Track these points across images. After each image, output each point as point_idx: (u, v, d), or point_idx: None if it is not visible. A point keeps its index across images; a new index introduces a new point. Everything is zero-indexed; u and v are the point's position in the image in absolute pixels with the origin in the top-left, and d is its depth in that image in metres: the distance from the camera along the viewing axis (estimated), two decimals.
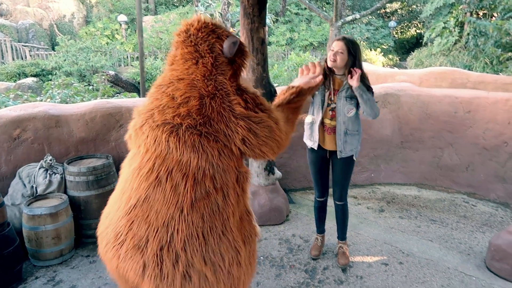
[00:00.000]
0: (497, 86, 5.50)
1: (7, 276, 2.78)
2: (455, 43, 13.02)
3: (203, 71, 1.61)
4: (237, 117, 1.60)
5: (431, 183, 4.81)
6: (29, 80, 12.11)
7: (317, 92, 2.86)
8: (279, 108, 1.96)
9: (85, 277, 2.98)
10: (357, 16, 10.95)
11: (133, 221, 1.53)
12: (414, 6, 22.19)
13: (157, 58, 16.47)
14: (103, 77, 9.67)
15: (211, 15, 16.89)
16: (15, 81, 12.51)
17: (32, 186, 3.28)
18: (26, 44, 17.15)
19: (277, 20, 21.62)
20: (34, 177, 3.30)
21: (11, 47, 15.71)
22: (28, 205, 3.08)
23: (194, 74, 1.62)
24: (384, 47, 19.97)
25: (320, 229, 3.30)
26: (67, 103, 5.76)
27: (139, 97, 7.23)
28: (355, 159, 2.98)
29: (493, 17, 12.12)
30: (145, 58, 15.75)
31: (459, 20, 12.93)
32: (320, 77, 2.10)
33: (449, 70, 6.16)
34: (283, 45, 19.78)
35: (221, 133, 1.58)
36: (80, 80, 12.41)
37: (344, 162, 2.94)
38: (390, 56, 19.19)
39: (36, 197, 3.20)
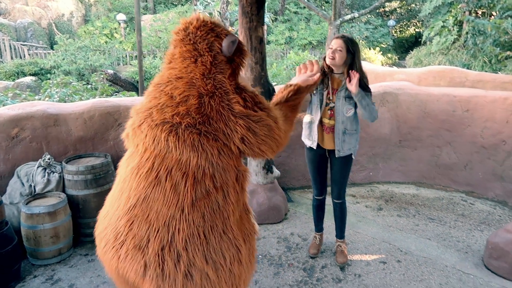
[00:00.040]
0: (495, 85, 5.52)
1: (6, 275, 2.78)
2: (453, 42, 13.02)
3: (202, 69, 1.61)
4: (236, 116, 1.59)
5: (429, 181, 4.82)
6: (28, 79, 12.09)
7: (315, 91, 2.86)
8: (277, 107, 1.95)
9: (83, 275, 2.99)
10: (356, 15, 10.96)
11: (133, 221, 1.53)
12: (413, 5, 22.18)
13: (156, 57, 16.47)
14: (102, 76, 9.65)
15: (210, 14, 16.88)
16: (13, 80, 12.50)
17: (31, 185, 3.28)
18: (25, 43, 17.12)
19: (276, 19, 21.62)
20: (33, 176, 3.30)
21: (10, 46, 15.69)
22: (26, 204, 3.08)
23: (193, 72, 1.61)
24: (383, 46, 19.98)
25: (319, 227, 3.31)
26: (65, 102, 5.75)
27: (138, 96, 7.23)
28: (353, 157, 2.98)
29: (492, 16, 12.12)
30: (144, 57, 15.76)
31: (458, 19, 12.94)
32: (318, 75, 2.10)
33: (448, 69, 6.17)
34: (282, 44, 19.77)
35: (220, 132, 1.57)
36: (79, 79, 12.39)
37: (343, 161, 2.94)
38: (389, 55, 19.19)
39: (34, 196, 3.20)
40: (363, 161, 4.83)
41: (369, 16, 21.25)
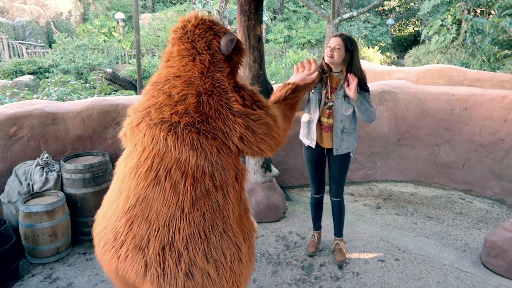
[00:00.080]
0: (494, 84, 5.52)
1: (4, 273, 2.78)
2: (452, 41, 13.03)
3: (201, 68, 1.60)
4: (235, 114, 1.58)
5: (427, 180, 4.83)
6: (26, 78, 12.07)
7: (313, 90, 2.86)
8: (276, 105, 1.95)
9: (82, 274, 2.99)
10: (354, 13, 10.95)
11: (133, 221, 1.52)
12: (412, 4, 22.18)
13: (155, 55, 16.45)
14: (100, 75, 9.64)
15: (209, 12, 16.86)
16: (11, 78, 12.47)
17: (29, 184, 3.28)
18: (23, 41, 17.08)
19: (275, 17, 21.61)
20: (31, 175, 3.30)
21: (8, 44, 15.66)
22: (24, 203, 3.08)
23: (191, 71, 1.60)
24: (382, 44, 19.99)
25: (317, 226, 3.32)
26: (63, 100, 5.74)
27: (136, 94, 7.22)
28: (352, 156, 2.98)
29: (491, 15, 12.13)
30: (143, 56, 15.75)
31: (457, 17, 12.94)
32: (316, 73, 2.10)
33: (446, 68, 6.17)
34: (281, 42, 19.77)
35: (219, 131, 1.57)
36: (77, 78, 12.38)
37: (341, 159, 2.95)
38: (388, 54, 19.19)
39: (32, 195, 3.19)
40: (362, 159, 4.84)
41: (368, 14, 21.26)
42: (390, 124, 4.79)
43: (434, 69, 6.18)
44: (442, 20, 13.56)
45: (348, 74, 2.70)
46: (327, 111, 2.86)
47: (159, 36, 18.39)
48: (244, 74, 3.54)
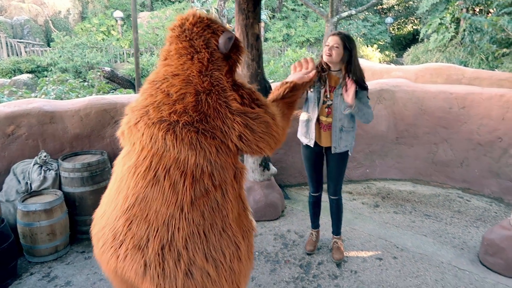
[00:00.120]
0: (492, 82, 5.54)
1: (2, 272, 2.77)
2: (451, 39, 13.03)
3: (199, 66, 1.59)
4: (234, 113, 1.58)
5: (426, 178, 4.84)
6: (24, 77, 12.04)
7: (312, 89, 2.86)
8: (274, 103, 1.95)
9: (80, 273, 2.99)
10: (353, 12, 10.95)
11: (131, 221, 1.51)
12: (411, 2, 22.20)
13: (153, 54, 16.42)
14: (99, 74, 9.62)
15: (207, 11, 16.85)
16: (10, 77, 12.44)
17: (27, 183, 3.28)
18: (21, 40, 17.03)
19: (273, 16, 21.59)
20: (29, 174, 3.30)
21: (6, 43, 15.61)
22: (22, 201, 3.08)
23: (189, 70, 1.59)
24: (381, 43, 19.99)
25: (315, 224, 3.32)
26: (62, 99, 5.73)
27: (135, 93, 7.22)
28: (350, 154, 2.99)
29: (489, 13, 12.14)
30: (141, 54, 15.73)
31: (455, 16, 12.94)
32: (313, 72, 2.10)
33: (445, 66, 6.19)
34: (279, 41, 19.76)
35: (218, 130, 1.56)
36: (75, 76, 12.35)
37: (339, 157, 2.95)
38: (387, 52, 19.19)
39: (30, 193, 3.19)
40: (360, 158, 4.84)
41: (366, 13, 21.26)
42: (389, 122, 4.80)
43: (432, 67, 6.20)
44: (440, 19, 13.56)
45: (346, 79, 2.69)
46: (326, 110, 2.86)
47: (157, 35, 18.36)
48: (242, 72, 3.54)
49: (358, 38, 18.81)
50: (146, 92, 1.66)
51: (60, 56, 14.52)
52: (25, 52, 15.84)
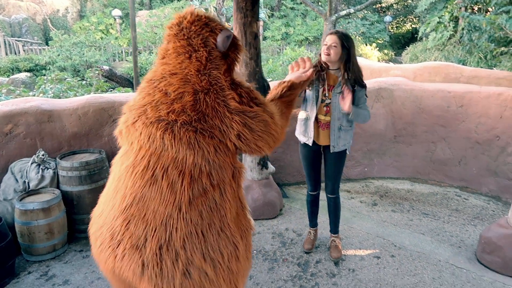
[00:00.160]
0: (490, 81, 5.53)
1: (0, 271, 2.77)
2: (449, 38, 13.02)
3: (197, 65, 1.58)
4: (232, 112, 1.57)
5: (424, 177, 4.85)
6: (23, 75, 12.03)
7: (310, 87, 2.86)
8: (272, 102, 1.94)
9: (78, 271, 2.99)
10: (351, 10, 10.94)
11: (129, 221, 1.51)
12: (410, 1, 22.19)
13: (152, 53, 16.39)
14: (97, 72, 9.60)
15: (206, 9, 16.82)
16: (8, 76, 12.42)
17: (25, 181, 3.27)
18: (20, 38, 17.00)
19: (272, 14, 21.56)
20: (27, 172, 3.29)
21: (4, 41, 15.58)
22: (20, 200, 3.08)
23: (187, 68, 1.58)
24: (380, 42, 19.98)
25: (313, 222, 3.32)
26: (60, 98, 5.72)
27: (133, 92, 7.21)
28: (348, 153, 2.99)
29: (488, 12, 12.13)
30: (140, 53, 15.70)
31: (454, 15, 12.92)
32: (311, 70, 2.10)
33: (443, 65, 6.18)
34: (278, 40, 19.73)
35: (216, 129, 1.55)
36: (74, 75, 12.33)
37: (337, 156, 2.95)
38: (386, 51, 19.20)
39: (28, 192, 3.19)
40: (358, 156, 4.85)
41: (365, 12, 21.23)
42: (387, 121, 4.80)
43: (430, 66, 6.19)
44: (439, 18, 13.55)
45: (343, 87, 2.69)
46: (324, 108, 2.86)
47: (156, 33, 18.33)
48: (240, 71, 3.54)
49: (357, 37, 18.80)
50: (144, 91, 1.65)
51: (59, 55, 14.49)
52: (23, 50, 15.81)
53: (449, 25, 13.00)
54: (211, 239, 1.54)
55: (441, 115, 4.62)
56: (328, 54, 2.73)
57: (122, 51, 16.96)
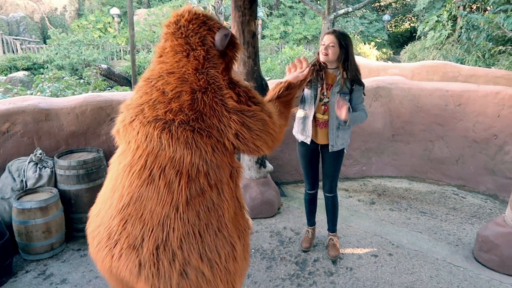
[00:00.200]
0: (488, 80, 5.54)
1: None
2: (448, 37, 13.04)
3: (195, 64, 1.57)
4: (230, 111, 1.56)
5: (422, 175, 4.86)
6: (21, 74, 11.99)
7: (309, 86, 2.86)
8: (270, 103, 1.94)
9: (76, 270, 2.98)
10: (349, 9, 10.93)
11: (126, 220, 1.51)
12: (408, 0, 22.18)
13: (150, 51, 16.36)
14: (95, 71, 9.59)
15: (204, 8, 16.80)
16: (6, 74, 12.38)
17: (22, 180, 3.26)
18: (17, 37, 16.95)
19: (271, 13, 21.55)
20: (24, 171, 3.28)
21: (2, 40, 15.53)
22: (18, 199, 3.07)
23: (185, 67, 1.58)
24: (378, 40, 19.98)
25: (311, 221, 3.33)
26: (58, 96, 5.71)
27: (131, 90, 7.19)
28: (345, 151, 2.99)
29: (486, 11, 12.14)
30: (138, 52, 15.68)
31: (452, 13, 12.95)
32: (307, 69, 2.11)
33: (441, 64, 6.19)
34: (277, 38, 19.73)
35: (214, 128, 1.55)
36: (72, 73, 12.32)
37: (335, 155, 2.95)
38: (384, 50, 19.21)
39: (26, 191, 3.18)
40: (356, 155, 4.85)
41: (364, 10, 21.24)
42: (385, 120, 4.81)
43: (428, 65, 6.20)
44: (438, 16, 13.58)
45: (337, 98, 2.70)
46: (323, 107, 2.86)
47: (154, 32, 18.30)
48: (238, 69, 3.54)
49: (355, 36, 18.80)
50: (141, 90, 1.64)
51: (57, 53, 14.46)
52: (21, 49, 15.77)
53: (448, 24, 13.02)
54: (208, 239, 1.54)
55: (439, 114, 4.63)
56: (326, 54, 2.73)
57: (120, 50, 16.93)
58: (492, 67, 8.24)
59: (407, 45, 16.31)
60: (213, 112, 1.55)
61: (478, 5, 12.59)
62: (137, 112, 1.58)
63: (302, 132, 2.97)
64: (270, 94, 2.04)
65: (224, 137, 1.57)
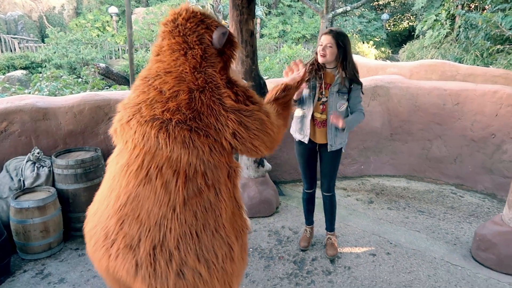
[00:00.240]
0: (486, 79, 5.56)
1: None
2: (446, 36, 13.05)
3: (192, 63, 1.56)
4: (228, 110, 1.55)
5: (420, 174, 4.86)
6: (18, 73, 11.97)
7: (307, 85, 2.86)
8: (268, 104, 1.94)
9: (74, 270, 2.98)
10: (348, 8, 10.93)
11: (123, 220, 1.50)
12: None
13: (149, 50, 16.33)
14: (93, 70, 9.57)
15: (202, 6, 16.77)
16: (4, 73, 12.36)
17: (20, 179, 3.26)
18: (15, 36, 16.90)
19: (269, 12, 21.55)
20: (22, 170, 3.28)
21: (0, 39, 15.48)
22: (15, 198, 3.06)
23: (182, 66, 1.57)
24: (377, 39, 20.00)
25: (309, 220, 3.33)
26: (55, 95, 5.70)
27: (129, 89, 7.17)
28: (343, 151, 2.99)
29: (485, 10, 12.16)
30: (136, 51, 15.66)
31: (451, 12, 12.96)
32: (303, 70, 2.11)
33: (439, 63, 6.20)
34: (275, 37, 19.73)
35: (211, 128, 1.54)
36: (70, 72, 12.29)
37: (333, 154, 2.95)
38: (383, 49, 19.22)
39: (23, 190, 3.18)
40: (355, 154, 4.86)
41: (362, 9, 21.24)
42: (383, 119, 4.81)
43: (427, 64, 6.21)
44: (436, 15, 13.58)
45: (331, 117, 2.72)
46: (321, 106, 2.86)
47: (153, 31, 18.29)
48: (236, 69, 3.53)
49: (354, 35, 18.80)
50: (138, 89, 1.63)
51: (55, 52, 14.44)
52: (19, 48, 15.73)
53: (446, 23, 13.03)
54: (206, 239, 1.53)
55: (437, 113, 4.63)
56: (324, 55, 2.73)
57: (118, 49, 16.90)
58: (490, 66, 8.25)
59: (405, 44, 16.31)
60: (210, 111, 1.54)
61: (476, 4, 12.60)
62: (134, 111, 1.57)
63: (300, 131, 2.97)
64: (267, 97, 2.04)
65: (222, 137, 1.56)
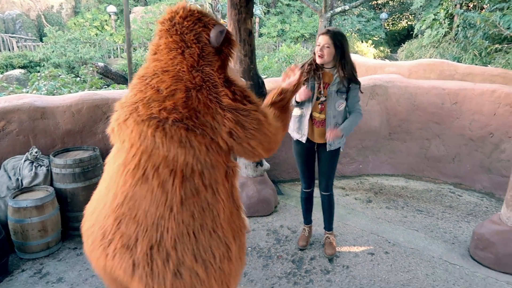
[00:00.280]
0: (484, 78, 5.56)
1: None
2: (445, 35, 13.07)
3: (190, 62, 1.55)
4: (224, 109, 1.54)
5: (418, 174, 4.87)
6: (17, 72, 11.95)
7: (306, 84, 2.85)
8: (266, 107, 1.93)
9: (72, 269, 2.98)
10: (346, 7, 10.93)
11: (120, 220, 1.50)
12: None
13: (147, 49, 16.31)
14: (92, 69, 9.55)
15: (201, 6, 16.75)
16: (2, 73, 12.34)
17: (18, 179, 3.25)
18: (13, 35, 16.86)
19: (268, 11, 21.54)
20: (20, 170, 3.27)
21: None
22: (13, 198, 3.06)
23: (179, 65, 1.55)
24: (375, 39, 20.00)
25: (307, 220, 3.33)
26: (54, 95, 5.69)
27: (127, 89, 7.16)
28: (342, 150, 3.00)
29: (483, 9, 12.17)
30: (135, 50, 15.64)
31: (449, 12, 12.98)
32: (298, 73, 2.12)
33: (438, 62, 6.20)
34: (274, 36, 19.72)
35: (208, 126, 1.52)
36: (68, 72, 12.26)
37: (331, 154, 2.96)
38: (381, 48, 19.22)
39: (21, 190, 3.17)
40: (353, 153, 4.86)
41: (361, 9, 21.25)
42: (381, 118, 4.81)
43: (425, 63, 6.22)
44: (435, 15, 13.60)
45: (326, 135, 2.77)
46: (319, 106, 2.86)
47: (151, 30, 18.27)
48: (234, 68, 3.53)
49: (353, 34, 18.81)
50: (135, 87, 1.62)
51: (53, 51, 14.41)
52: (17, 47, 15.70)
53: (444, 22, 13.05)
54: (203, 239, 1.53)
55: (435, 112, 4.64)
56: (322, 56, 2.73)
57: (117, 48, 16.89)
58: (489, 65, 8.26)
59: (404, 43, 16.33)
60: (207, 110, 1.52)
61: (474, 4, 12.62)
62: (131, 110, 1.56)
63: (298, 130, 2.97)
64: (265, 102, 2.04)
65: (218, 136, 1.54)
